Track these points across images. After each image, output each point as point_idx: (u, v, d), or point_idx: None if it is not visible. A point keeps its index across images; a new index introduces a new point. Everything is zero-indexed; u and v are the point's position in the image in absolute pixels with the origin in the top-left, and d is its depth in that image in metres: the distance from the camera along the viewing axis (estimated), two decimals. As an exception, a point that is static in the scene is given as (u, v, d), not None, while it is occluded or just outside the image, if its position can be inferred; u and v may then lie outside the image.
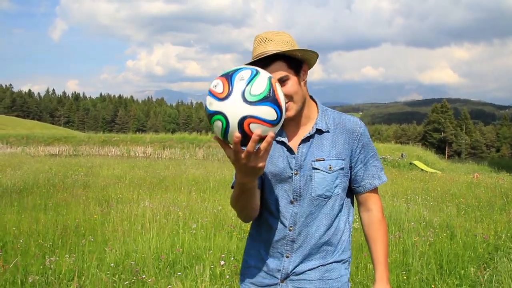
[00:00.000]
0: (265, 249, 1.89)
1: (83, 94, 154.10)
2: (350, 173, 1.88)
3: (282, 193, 1.85)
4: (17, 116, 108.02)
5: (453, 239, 5.56)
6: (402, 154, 26.50)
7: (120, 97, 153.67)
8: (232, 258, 4.43)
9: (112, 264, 4.03)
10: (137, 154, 37.64)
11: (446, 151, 78.43)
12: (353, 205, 1.96)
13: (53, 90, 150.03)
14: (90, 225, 5.54)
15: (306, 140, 1.83)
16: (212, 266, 4.17)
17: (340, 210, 1.88)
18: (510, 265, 4.80)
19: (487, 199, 9.17)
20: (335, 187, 1.83)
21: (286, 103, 1.71)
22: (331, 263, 1.86)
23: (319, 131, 1.84)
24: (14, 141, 39.95)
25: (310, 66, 1.87)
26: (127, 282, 3.68)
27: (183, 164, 18.00)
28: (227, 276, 3.98)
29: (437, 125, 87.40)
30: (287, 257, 1.84)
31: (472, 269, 4.59)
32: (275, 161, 1.85)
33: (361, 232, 5.51)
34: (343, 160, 1.83)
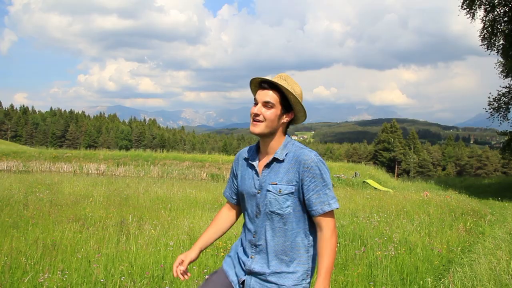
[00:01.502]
0: (243, 246, 2.35)
1: (32, 107, 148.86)
2: (303, 198, 2.19)
3: (251, 207, 2.30)
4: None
5: (412, 252, 6.02)
6: (355, 173, 27.30)
7: (71, 112, 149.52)
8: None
9: (102, 280, 4.20)
10: (90, 171, 36.88)
11: (396, 170, 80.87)
12: (313, 226, 2.25)
13: (0, 102, 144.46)
14: (71, 242, 5.63)
15: (267, 166, 2.25)
16: (196, 281, 4.40)
17: (295, 228, 2.21)
18: (463, 275, 5.30)
19: (437, 216, 9.78)
20: (286, 207, 2.18)
21: (259, 121, 2.19)
22: (286, 272, 2.19)
23: (276, 160, 2.23)
24: (-44, 157, 38.29)
25: (296, 119, 2.32)
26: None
27: (142, 182, 17.95)
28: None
29: (387, 145, 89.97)
30: (252, 257, 2.27)
31: (429, 279, 5.04)
32: (246, 182, 2.32)
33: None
34: (293, 186, 2.18)
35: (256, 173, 2.27)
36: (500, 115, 25.98)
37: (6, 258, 4.66)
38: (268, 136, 2.22)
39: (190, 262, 2.39)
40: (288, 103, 2.21)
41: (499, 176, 57.36)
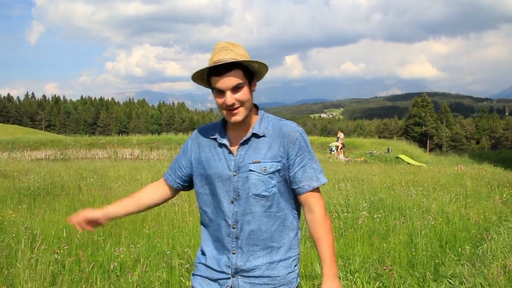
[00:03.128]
0: (215, 246, 2.01)
1: (63, 97, 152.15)
2: (289, 175, 1.97)
3: (224, 193, 1.96)
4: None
5: (449, 222, 6.22)
6: (388, 148, 27.24)
7: (101, 99, 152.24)
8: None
9: (168, 252, 4.62)
10: (125, 156, 37.70)
11: (428, 145, 79.85)
12: (299, 206, 2.05)
13: (32, 93, 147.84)
14: (132, 220, 6.09)
15: (244, 143, 1.96)
16: None
17: (283, 210, 1.97)
18: (500, 242, 5.50)
19: (473, 188, 9.90)
20: (272, 187, 1.93)
21: (236, 108, 1.90)
22: (278, 261, 1.96)
23: (256, 135, 1.96)
24: (-1, 147, 39.66)
25: (260, 77, 2.04)
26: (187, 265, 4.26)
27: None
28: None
29: (418, 119, 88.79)
30: (234, 253, 1.95)
31: (467, 247, 5.25)
32: (217, 164, 1.98)
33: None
34: (278, 162, 1.93)
35: (230, 152, 1.97)
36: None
37: (79, 235, 5.14)
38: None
39: (89, 221, 2.08)
40: (249, 70, 1.94)
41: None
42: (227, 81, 1.86)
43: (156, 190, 2.18)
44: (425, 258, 4.67)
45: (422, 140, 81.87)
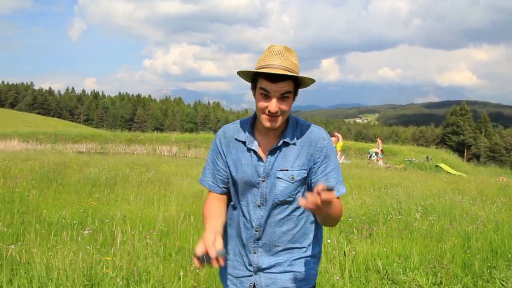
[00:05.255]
0: (240, 245, 2.03)
1: (102, 92, 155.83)
2: (310, 180, 1.97)
3: (251, 197, 1.97)
4: (38, 113, 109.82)
5: (498, 230, 6.51)
6: (427, 156, 27.22)
7: (138, 96, 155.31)
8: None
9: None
10: (163, 153, 38.57)
11: (465, 154, 78.43)
12: None
13: (72, 88, 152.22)
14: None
15: (273, 151, 1.95)
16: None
17: (304, 212, 2.00)
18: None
19: (518, 199, 10.09)
20: (297, 193, 1.95)
21: (277, 116, 1.87)
22: (299, 258, 2.00)
23: (285, 143, 1.95)
24: (43, 139, 41.07)
25: (304, 87, 1.99)
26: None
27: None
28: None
29: (456, 128, 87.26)
30: (254, 253, 1.98)
31: (516, 254, 5.56)
32: (244, 169, 1.97)
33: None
34: (305, 170, 1.94)
35: (259, 158, 1.96)
36: None
37: (163, 224, 5.74)
38: None
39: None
40: (298, 82, 1.92)
41: None
42: (279, 88, 1.83)
43: (220, 204, 2.05)
44: (478, 261, 5.02)
45: (459, 150, 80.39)
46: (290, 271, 1.99)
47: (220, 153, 2.04)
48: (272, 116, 1.86)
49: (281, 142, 1.94)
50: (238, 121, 2.10)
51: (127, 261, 4.08)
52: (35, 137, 40.41)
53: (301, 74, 1.86)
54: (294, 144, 1.94)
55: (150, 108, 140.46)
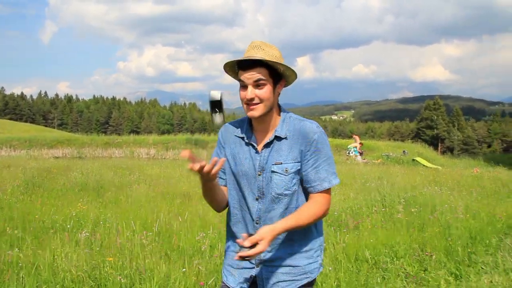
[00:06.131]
0: (239, 237, 2.00)
1: (76, 96, 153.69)
2: (301, 173, 2.04)
3: (249, 191, 2.06)
4: (10, 119, 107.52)
5: (476, 217, 6.85)
6: (404, 151, 27.85)
7: (113, 98, 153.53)
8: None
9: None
10: (141, 156, 38.31)
11: (439, 148, 79.96)
12: None
13: (45, 92, 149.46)
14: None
15: (267, 145, 2.05)
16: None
17: (302, 202, 2.07)
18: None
19: (492, 189, 10.54)
20: (293, 186, 2.03)
21: (255, 104, 1.96)
22: (299, 252, 2.06)
23: (278, 138, 2.04)
24: (17, 144, 40.21)
25: (288, 83, 2.11)
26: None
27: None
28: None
29: (430, 122, 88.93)
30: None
31: (493, 240, 5.88)
32: (242, 162, 2.08)
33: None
34: (298, 162, 2.02)
35: (256, 152, 2.06)
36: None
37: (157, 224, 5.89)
38: (266, 114, 2.02)
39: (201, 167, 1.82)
40: (277, 72, 2.00)
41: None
42: (250, 75, 1.94)
43: (222, 191, 2.16)
44: (459, 247, 5.31)
45: (433, 143, 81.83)
46: (290, 265, 2.05)
47: (222, 147, 2.17)
48: (251, 104, 1.96)
49: (273, 136, 2.04)
50: (239, 119, 2.21)
51: (128, 261, 4.21)
52: (8, 144, 39.56)
53: (289, 68, 1.98)
54: (286, 138, 2.02)
55: (126, 110, 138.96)
